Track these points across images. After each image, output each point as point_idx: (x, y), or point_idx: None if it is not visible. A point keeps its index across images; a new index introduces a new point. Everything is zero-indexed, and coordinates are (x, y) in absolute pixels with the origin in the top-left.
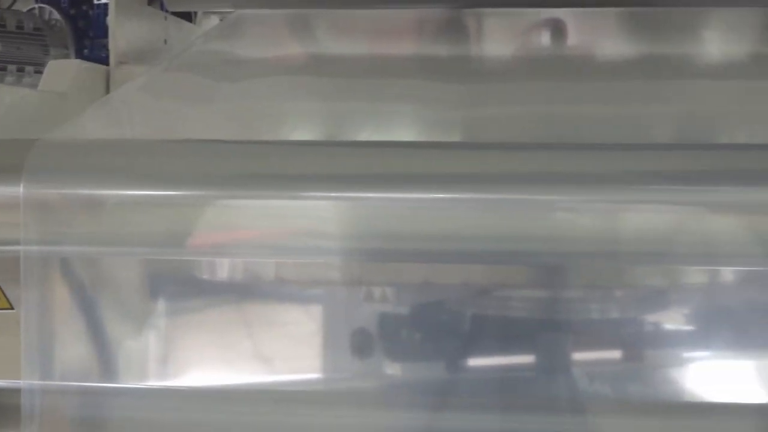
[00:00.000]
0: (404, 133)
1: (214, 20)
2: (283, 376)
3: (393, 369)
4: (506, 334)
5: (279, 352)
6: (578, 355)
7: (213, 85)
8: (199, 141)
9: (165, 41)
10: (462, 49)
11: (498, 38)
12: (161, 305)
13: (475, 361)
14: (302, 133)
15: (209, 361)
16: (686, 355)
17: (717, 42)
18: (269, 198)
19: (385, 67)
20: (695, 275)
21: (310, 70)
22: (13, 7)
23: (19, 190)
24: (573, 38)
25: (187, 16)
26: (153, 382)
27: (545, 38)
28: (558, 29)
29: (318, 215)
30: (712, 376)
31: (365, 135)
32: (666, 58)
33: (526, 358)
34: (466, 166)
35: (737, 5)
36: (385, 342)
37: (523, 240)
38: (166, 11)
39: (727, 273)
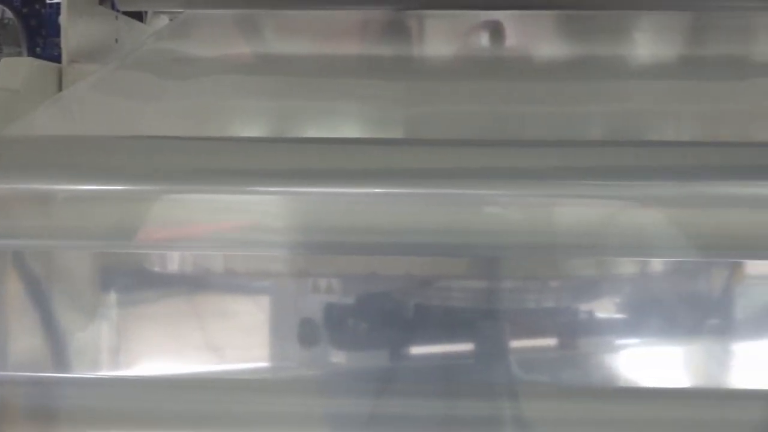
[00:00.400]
0: (348, 130)
1: (164, 20)
2: (233, 365)
3: (338, 357)
4: (447, 323)
5: (228, 342)
6: (515, 343)
7: (163, 83)
8: (149, 138)
9: (116, 40)
10: (404, 49)
11: (439, 39)
12: (113, 297)
13: (417, 349)
14: (250, 130)
15: (160, 351)
16: (617, 342)
17: (646, 44)
18: (217, 193)
19: (330, 67)
20: (626, 266)
21: (257, 69)
22: None
23: None
24: (511, 40)
25: (138, 16)
26: (105, 372)
27: (484, 39)
28: (496, 31)
29: (265, 210)
30: (642, 362)
31: (311, 132)
32: (599, 59)
33: (466, 346)
34: (408, 162)
35: (664, 9)
36: (331, 331)
37: (463, 233)
38: (117, 11)
39: (656, 264)
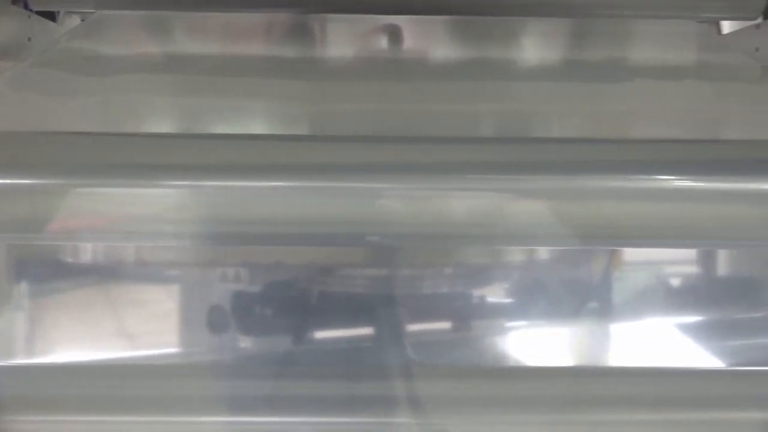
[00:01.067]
0: (254, 126)
1: (76, 20)
2: (145, 351)
3: (246, 342)
4: (348, 309)
5: (140, 329)
6: (411, 327)
7: (75, 81)
8: (61, 133)
9: (29, 39)
10: (307, 50)
11: (340, 41)
12: (26, 287)
13: (320, 334)
14: (159, 126)
15: (73, 339)
16: (507, 324)
17: (533, 48)
18: (128, 186)
19: (236, 66)
20: (514, 254)
21: (166, 67)
22: None
23: None
24: (408, 42)
25: (51, 16)
26: (19, 360)
27: (383, 42)
28: (394, 34)
29: (171, 202)
30: (529, 342)
31: (218, 129)
32: (489, 61)
33: (365, 330)
34: (308, 157)
35: (549, 15)
36: (239, 318)
37: (360, 224)
38: (31, 10)
39: (542, 252)
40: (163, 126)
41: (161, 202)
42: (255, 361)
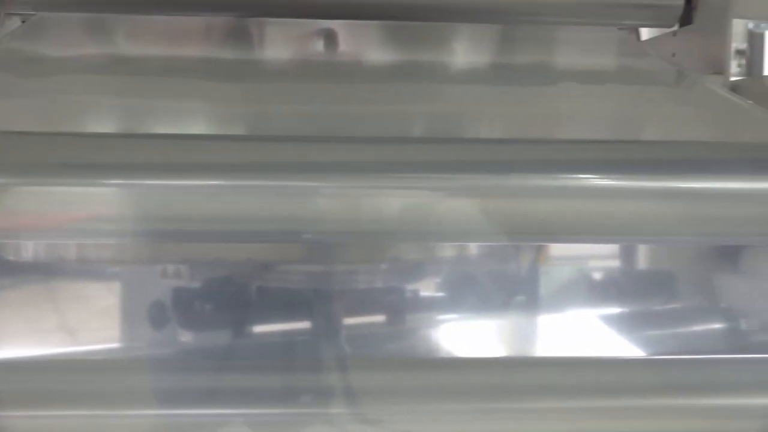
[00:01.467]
0: (194, 127)
1: (16, 21)
2: (87, 346)
3: (186, 337)
4: (286, 304)
5: (83, 324)
6: (347, 320)
7: (16, 82)
8: (1, 133)
9: None
10: (245, 53)
11: (277, 44)
12: None
13: (259, 328)
14: (100, 126)
15: (16, 335)
16: (439, 317)
17: (462, 52)
18: (67, 185)
19: (176, 68)
20: (445, 250)
21: (107, 68)
22: None
23: None
24: (343, 46)
25: None
26: None
27: (319, 45)
28: (330, 38)
29: (112, 201)
30: (460, 334)
31: (157, 129)
32: (421, 64)
33: (302, 324)
34: (247, 156)
35: (478, 21)
36: (179, 313)
37: (297, 221)
38: None
39: (472, 247)
40: (104, 126)
41: (101, 200)
42: (195, 355)
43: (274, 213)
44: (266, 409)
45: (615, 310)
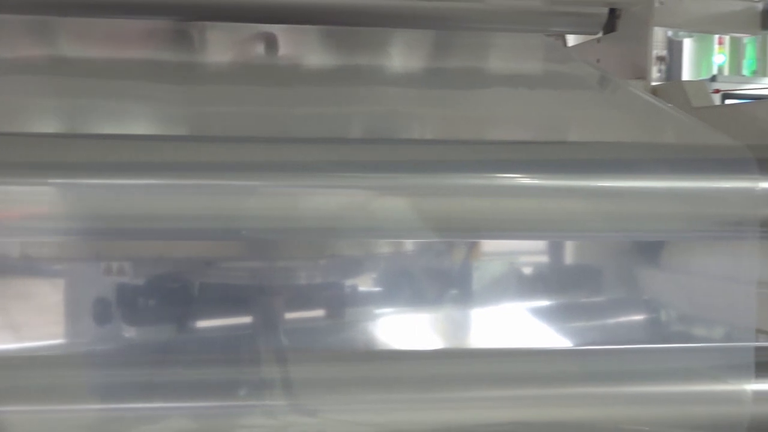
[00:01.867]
0: (136, 127)
1: None
2: (32, 342)
3: (130, 332)
4: (227, 299)
5: (27, 321)
6: (287, 315)
7: None
8: None
9: None
10: (188, 56)
11: (219, 48)
12: None
13: (201, 323)
14: (43, 127)
15: None
16: (376, 311)
17: (399, 56)
18: (10, 185)
19: (119, 70)
20: (383, 246)
21: (50, 70)
22: None
23: None
24: (283, 49)
25: None
26: None
27: (260, 49)
28: (271, 42)
29: (55, 199)
30: (397, 327)
31: (101, 129)
32: (359, 68)
33: (244, 319)
34: (189, 156)
35: (414, 27)
36: (123, 309)
37: (236, 219)
38: None
39: (407, 244)
40: (47, 127)
41: (43, 199)
42: (138, 350)
43: (214, 211)
44: (205, 401)
45: (543, 302)
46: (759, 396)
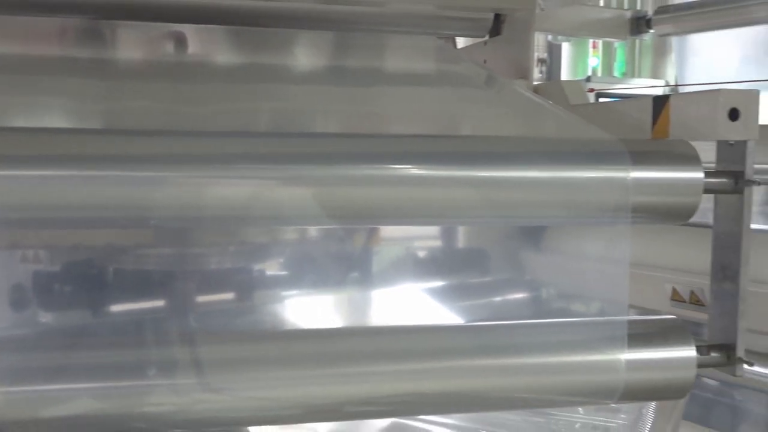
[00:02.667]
0: (49, 121)
1: None
2: None
3: (46, 317)
4: (140, 284)
5: None
6: (199, 298)
7: None
8: None
9: None
10: (99, 53)
11: (130, 45)
12: None
13: (115, 307)
14: None
15: None
16: (283, 293)
17: (302, 56)
18: None
19: (33, 66)
20: (289, 233)
21: None
22: None
23: None
24: (192, 48)
25: None
26: None
27: (169, 47)
28: (180, 40)
29: None
30: (303, 308)
31: (15, 123)
32: (264, 66)
33: (156, 303)
34: (101, 149)
35: (316, 28)
36: (39, 295)
37: (145, 209)
38: None
39: (311, 230)
40: None
41: None
42: (54, 334)
43: (124, 201)
44: (115, 382)
45: (437, 283)
46: (631, 365)
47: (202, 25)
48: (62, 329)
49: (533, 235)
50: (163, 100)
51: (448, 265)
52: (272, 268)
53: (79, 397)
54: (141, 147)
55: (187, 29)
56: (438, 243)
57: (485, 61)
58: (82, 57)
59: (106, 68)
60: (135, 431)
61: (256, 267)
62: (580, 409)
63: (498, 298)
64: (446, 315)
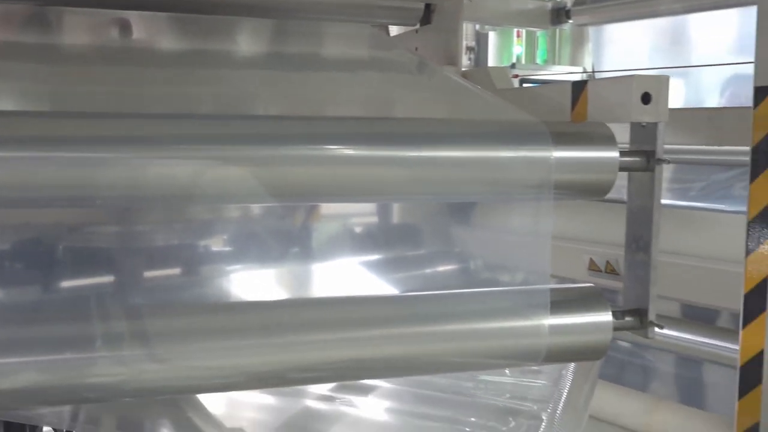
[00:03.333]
0: (1, 104)
1: None
2: None
3: None
4: (89, 261)
5: None
6: (148, 273)
7: None
8: None
9: None
10: (47, 38)
11: (76, 30)
12: None
13: (65, 283)
14: None
15: None
16: (227, 268)
17: (244, 42)
18: None
19: None
20: (232, 210)
21: None
22: None
23: None
24: (137, 34)
25: None
26: None
27: (114, 33)
28: (124, 26)
29: None
30: (248, 282)
31: None
32: (206, 52)
33: (104, 278)
34: (48, 131)
35: (255, 15)
36: None
37: (97, 188)
38: None
39: (254, 208)
40: None
41: None
42: (3, 310)
43: (70, 181)
44: (61, 354)
45: (373, 257)
46: (554, 329)
47: (147, 12)
48: (12, 305)
49: (463, 210)
50: (108, 84)
51: (383, 240)
52: (217, 244)
53: (29, 369)
54: (86, 129)
55: (132, 16)
56: (373, 219)
57: (417, 49)
58: (28, 42)
59: (53, 53)
60: (84, 401)
61: (201, 243)
62: (506, 371)
63: (430, 270)
64: (382, 286)
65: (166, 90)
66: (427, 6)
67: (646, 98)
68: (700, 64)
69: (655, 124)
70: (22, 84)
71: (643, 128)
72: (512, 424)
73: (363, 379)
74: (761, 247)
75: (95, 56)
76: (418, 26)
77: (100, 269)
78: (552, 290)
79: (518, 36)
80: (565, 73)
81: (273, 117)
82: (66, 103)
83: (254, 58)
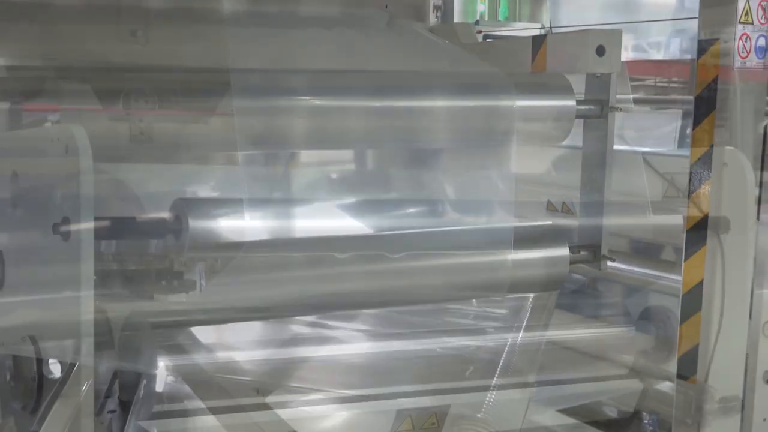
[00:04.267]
0: None
1: None
2: None
3: None
4: None
5: None
6: None
7: None
8: None
9: None
10: None
11: None
12: None
13: None
14: None
15: None
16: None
17: (228, 1)
18: None
19: None
20: (218, 158)
21: None
22: None
23: None
24: None
25: None
26: None
27: None
28: None
29: None
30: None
31: None
32: (195, 10)
33: None
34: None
35: None
36: None
37: None
38: None
39: (238, 156)
40: None
41: None
42: None
43: None
44: None
45: (349, 200)
46: (516, 263)
47: None
48: None
49: (433, 157)
50: None
51: (358, 185)
52: (204, 190)
53: None
54: None
55: None
56: (350, 166)
57: (387, 6)
58: None
59: None
60: None
61: (189, 189)
62: (473, 301)
63: (402, 211)
64: (357, 226)
65: (152, 47)
66: None
67: (600, 50)
68: (649, 19)
69: (609, 75)
70: None
71: (598, 78)
72: (480, 342)
73: (341, 310)
74: (702, 187)
75: None
76: None
77: None
78: (515, 228)
79: None
80: (524, 29)
81: (252, 70)
82: None
83: (235, 15)
